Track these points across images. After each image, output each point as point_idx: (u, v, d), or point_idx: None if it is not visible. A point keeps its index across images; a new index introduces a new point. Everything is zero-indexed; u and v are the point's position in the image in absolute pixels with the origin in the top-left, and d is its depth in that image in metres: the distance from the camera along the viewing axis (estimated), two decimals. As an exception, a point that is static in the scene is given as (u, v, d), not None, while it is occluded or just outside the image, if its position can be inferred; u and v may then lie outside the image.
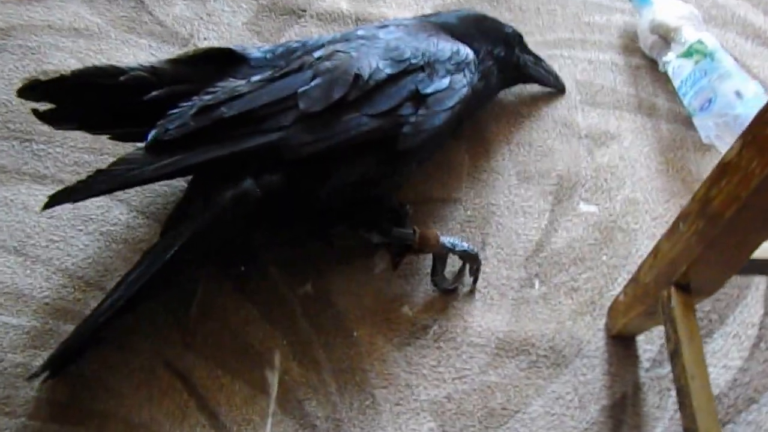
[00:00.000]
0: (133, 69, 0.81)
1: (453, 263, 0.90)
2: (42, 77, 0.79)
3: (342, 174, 0.80)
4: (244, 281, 0.87)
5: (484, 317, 0.88)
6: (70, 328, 0.81)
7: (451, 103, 0.84)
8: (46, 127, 0.87)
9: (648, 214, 0.97)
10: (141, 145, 0.79)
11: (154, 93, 0.80)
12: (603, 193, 0.98)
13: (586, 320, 0.88)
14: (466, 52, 0.89)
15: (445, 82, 0.84)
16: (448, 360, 0.85)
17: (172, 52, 1.03)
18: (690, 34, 1.05)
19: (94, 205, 0.89)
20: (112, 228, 0.89)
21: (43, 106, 0.81)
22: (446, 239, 0.88)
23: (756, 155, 0.60)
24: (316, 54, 0.83)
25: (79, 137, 0.95)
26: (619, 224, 0.95)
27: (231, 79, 0.83)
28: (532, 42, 1.05)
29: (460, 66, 0.87)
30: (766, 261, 0.75)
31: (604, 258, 0.93)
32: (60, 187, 0.77)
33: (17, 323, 0.83)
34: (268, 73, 0.82)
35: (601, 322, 0.88)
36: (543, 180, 0.98)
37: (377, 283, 0.89)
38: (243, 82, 0.81)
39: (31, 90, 0.79)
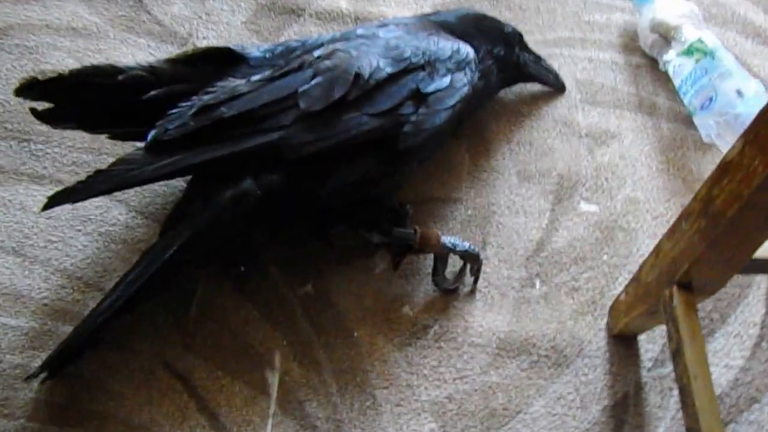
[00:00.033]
0: (131, 68, 0.81)
1: (453, 263, 0.90)
2: (40, 76, 0.78)
3: (342, 174, 0.79)
4: (244, 281, 0.87)
5: (485, 317, 0.87)
6: (68, 329, 0.80)
7: (451, 102, 0.84)
8: (44, 127, 0.87)
9: (649, 213, 0.96)
10: (140, 145, 0.79)
11: (152, 92, 0.80)
12: (604, 192, 0.98)
13: (588, 320, 0.88)
14: (467, 50, 0.89)
15: (446, 80, 0.84)
16: (449, 360, 0.84)
17: (171, 51, 1.03)
18: (690, 33, 1.05)
19: (92, 205, 0.89)
20: (110, 228, 0.89)
21: (41, 106, 0.80)
22: (447, 239, 0.87)
23: (758, 154, 0.60)
24: (316, 53, 0.82)
25: (77, 137, 0.94)
26: (619, 223, 0.95)
27: (230, 79, 0.82)
28: (531, 41, 1.05)
29: (460, 65, 0.87)
30: (768, 260, 0.75)
31: (605, 257, 0.93)
32: (58, 188, 0.77)
33: (16, 324, 0.82)
34: (267, 73, 0.82)
35: (603, 322, 0.88)
36: (543, 179, 0.98)
37: (378, 283, 0.88)
38: (243, 81, 0.81)
39: (28, 89, 0.78)
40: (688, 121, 1.04)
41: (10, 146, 0.93)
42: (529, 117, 1.03)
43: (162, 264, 0.74)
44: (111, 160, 0.90)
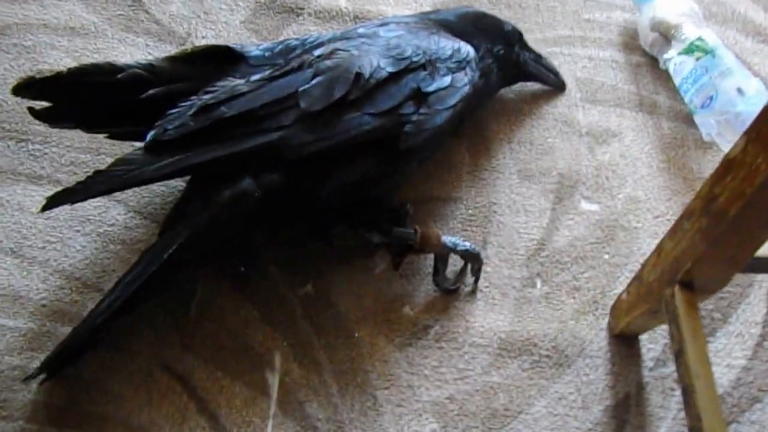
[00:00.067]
0: (130, 67, 0.80)
1: (454, 263, 0.89)
2: (37, 75, 0.78)
3: (342, 174, 0.79)
4: (244, 281, 0.86)
5: (486, 317, 0.87)
6: (67, 330, 0.80)
7: (452, 101, 0.83)
8: (42, 127, 0.87)
9: (650, 212, 0.96)
10: (139, 144, 0.78)
11: (151, 91, 0.80)
12: (604, 191, 0.97)
13: (589, 320, 0.88)
14: (467, 49, 0.89)
15: (447, 80, 0.84)
16: (450, 360, 0.84)
17: (169, 51, 1.02)
18: (691, 31, 1.04)
19: (91, 205, 0.89)
20: (109, 229, 0.89)
21: (39, 105, 0.80)
22: (447, 238, 0.87)
23: (761, 151, 0.60)
24: (317, 52, 0.82)
25: (75, 137, 0.94)
26: (620, 223, 0.95)
27: (230, 78, 0.82)
28: (531, 39, 1.05)
29: (461, 64, 0.86)
30: (771, 259, 0.75)
31: (606, 257, 0.92)
32: (57, 188, 0.76)
33: (14, 325, 0.82)
34: (267, 72, 0.81)
35: (604, 322, 0.88)
36: (544, 178, 0.98)
37: (378, 283, 0.88)
38: (242, 81, 0.80)
39: (26, 88, 0.78)
40: (688, 119, 1.04)
41: (8, 146, 0.93)
42: (530, 116, 1.03)
43: (161, 264, 0.74)
44: (109, 160, 0.90)
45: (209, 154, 0.75)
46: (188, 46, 1.03)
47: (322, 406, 0.80)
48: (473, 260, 0.88)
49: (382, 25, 0.91)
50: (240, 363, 0.82)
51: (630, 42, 1.11)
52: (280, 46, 0.88)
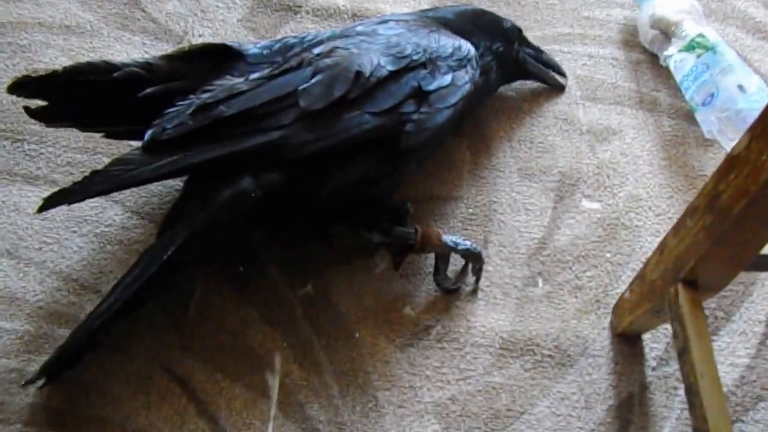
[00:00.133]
0: (126, 65, 0.80)
1: (455, 262, 0.89)
2: (33, 74, 0.77)
3: (343, 173, 0.78)
4: (243, 282, 0.86)
5: (488, 317, 0.86)
6: (64, 332, 0.79)
7: (453, 100, 0.83)
8: (37, 127, 0.86)
9: (651, 210, 0.96)
10: (136, 144, 0.77)
11: (148, 90, 0.79)
12: (605, 189, 0.97)
13: (591, 319, 0.87)
14: (468, 47, 0.88)
15: (448, 78, 0.83)
16: (451, 361, 0.83)
17: (166, 49, 1.02)
18: (691, 28, 1.04)
19: (88, 206, 0.88)
20: (106, 229, 0.88)
21: (35, 105, 0.79)
22: (448, 238, 0.86)
23: (765, 148, 0.59)
24: (316, 51, 0.81)
25: (71, 137, 0.93)
26: (622, 221, 0.94)
27: (228, 77, 0.81)
28: (531, 37, 1.04)
29: (462, 62, 0.86)
30: (776, 257, 0.74)
31: (608, 255, 0.92)
32: (53, 188, 0.76)
33: (10, 327, 0.81)
34: (266, 71, 0.81)
35: (606, 321, 0.87)
36: (545, 177, 0.97)
37: (378, 283, 0.87)
38: (241, 80, 0.79)
39: (21, 87, 0.77)
40: (689, 117, 1.03)
41: (4, 146, 0.92)
42: (530, 114, 1.03)
43: (160, 265, 0.73)
44: (106, 159, 0.89)
45: (208, 153, 0.74)
46: (185, 45, 1.02)
47: (323, 408, 0.79)
48: (474, 259, 0.87)
49: (381, 23, 0.90)
50: (240, 364, 0.81)
51: (630, 39, 1.11)
52: (278, 44, 0.87)
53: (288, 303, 0.85)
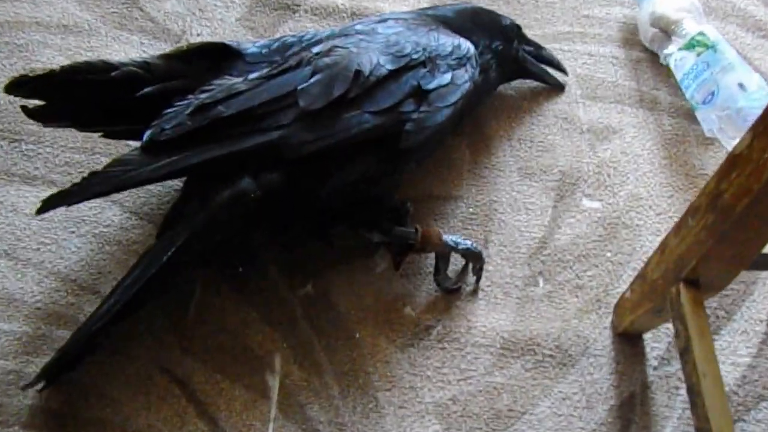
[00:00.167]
0: (124, 65, 0.79)
1: (455, 262, 0.88)
2: (30, 74, 0.76)
3: (343, 173, 0.78)
4: (243, 282, 0.85)
5: (488, 317, 0.86)
6: (63, 333, 0.79)
7: (453, 98, 0.82)
8: (35, 127, 0.85)
9: (652, 209, 0.95)
10: (134, 144, 0.77)
11: (146, 89, 0.78)
12: (606, 188, 0.96)
13: (592, 318, 0.87)
14: (467, 46, 0.88)
15: (447, 77, 0.83)
16: (452, 361, 0.83)
17: (164, 48, 1.01)
18: (691, 27, 1.04)
19: (86, 206, 0.87)
20: (105, 230, 0.87)
21: (33, 104, 0.78)
22: (448, 237, 0.86)
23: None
24: (315, 50, 0.81)
25: (69, 137, 0.92)
26: (623, 220, 0.94)
27: (227, 77, 0.81)
28: (530, 36, 1.03)
29: (461, 61, 0.85)
30: (778, 255, 0.74)
31: (609, 255, 0.91)
32: (51, 189, 0.75)
33: (8, 329, 0.80)
34: (265, 70, 0.80)
35: (607, 320, 0.87)
36: (545, 176, 0.97)
37: (379, 283, 0.87)
38: (240, 79, 0.79)
39: (18, 86, 0.77)
40: (689, 115, 1.03)
41: (1, 146, 0.92)
42: (530, 113, 1.02)
43: (160, 267, 0.72)
44: (104, 159, 0.89)
45: (207, 153, 0.74)
46: (183, 44, 1.01)
47: (324, 409, 0.79)
48: (475, 259, 0.87)
49: (380, 21, 0.90)
50: (239, 365, 0.81)
51: (630, 38, 1.11)
52: (276, 44, 0.87)
53: (288, 303, 0.85)
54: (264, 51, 0.86)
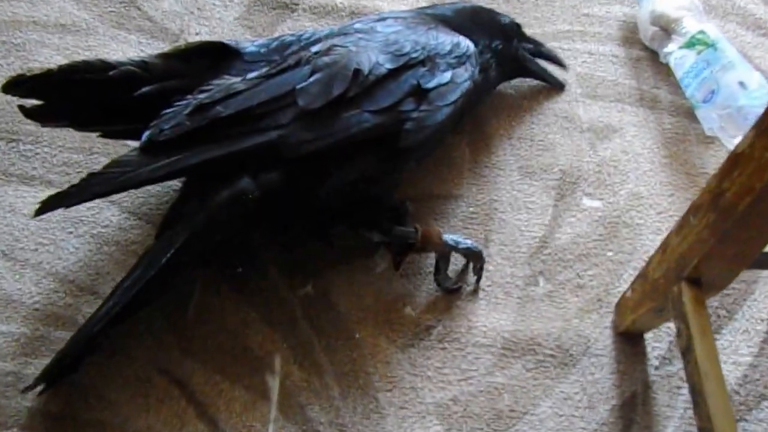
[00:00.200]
0: (122, 64, 0.79)
1: (456, 262, 0.88)
2: (27, 73, 0.76)
3: (342, 172, 0.78)
4: (243, 282, 0.85)
5: (489, 317, 0.86)
6: (61, 334, 0.78)
7: (453, 97, 0.82)
8: (33, 127, 0.85)
9: (652, 208, 0.95)
10: (132, 144, 0.77)
11: (145, 89, 0.78)
12: (606, 187, 0.96)
13: (593, 318, 0.86)
14: (467, 45, 0.87)
15: (447, 76, 0.82)
16: (453, 361, 0.83)
17: (162, 48, 1.01)
18: (691, 25, 1.03)
19: (84, 207, 0.87)
20: (103, 230, 0.87)
21: (30, 104, 0.78)
22: (449, 237, 0.86)
23: (770, 145, 0.58)
24: (314, 49, 0.81)
25: (67, 137, 0.92)
26: (623, 219, 0.94)
27: (226, 77, 0.80)
28: (530, 35, 1.03)
29: (461, 59, 0.85)
30: (779, 254, 0.74)
31: (610, 254, 0.91)
32: (49, 189, 0.75)
33: (6, 330, 0.80)
34: (264, 69, 0.80)
35: (608, 320, 0.86)
36: (545, 175, 0.96)
37: (379, 283, 0.87)
38: (239, 79, 0.79)
39: (16, 86, 0.76)
40: (690, 114, 1.03)
41: (-2, 147, 0.91)
42: (530, 112, 1.02)
43: (160, 268, 0.72)
44: (103, 159, 0.89)
45: (207, 154, 0.73)
46: (181, 43, 1.01)
47: (324, 410, 0.79)
48: (475, 259, 0.87)
49: (379, 20, 0.89)
50: (239, 366, 0.80)
51: (630, 36, 1.10)
52: (275, 43, 0.87)
53: (288, 303, 0.84)
54: (263, 50, 0.86)
